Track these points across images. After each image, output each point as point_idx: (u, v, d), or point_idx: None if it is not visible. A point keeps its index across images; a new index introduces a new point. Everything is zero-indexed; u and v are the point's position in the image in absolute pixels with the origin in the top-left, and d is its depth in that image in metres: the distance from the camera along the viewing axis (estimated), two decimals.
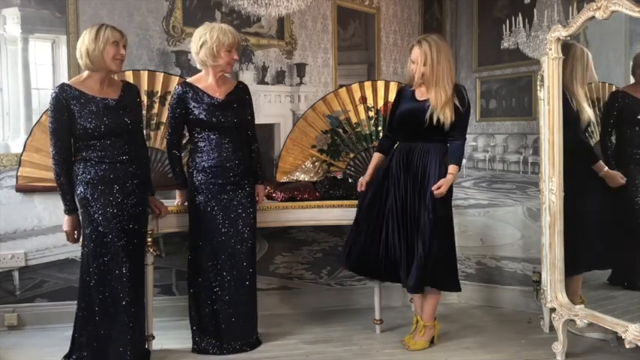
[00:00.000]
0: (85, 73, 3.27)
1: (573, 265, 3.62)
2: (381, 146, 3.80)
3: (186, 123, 3.55)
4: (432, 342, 3.68)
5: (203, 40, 3.44)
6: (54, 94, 3.22)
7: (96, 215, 3.22)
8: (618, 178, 3.64)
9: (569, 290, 3.54)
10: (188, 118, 3.50)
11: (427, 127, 3.48)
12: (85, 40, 3.20)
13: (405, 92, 3.68)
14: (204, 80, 3.54)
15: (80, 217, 3.31)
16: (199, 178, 3.52)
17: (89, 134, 3.21)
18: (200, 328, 3.60)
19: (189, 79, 3.62)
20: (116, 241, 3.23)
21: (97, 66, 3.22)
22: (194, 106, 3.47)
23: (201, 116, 3.47)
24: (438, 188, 3.41)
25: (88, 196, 3.22)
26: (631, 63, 3.75)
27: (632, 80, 3.72)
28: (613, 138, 3.79)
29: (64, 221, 3.34)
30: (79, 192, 3.25)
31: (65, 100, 3.19)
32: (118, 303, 3.25)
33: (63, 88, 3.23)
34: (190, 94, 3.48)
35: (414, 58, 3.50)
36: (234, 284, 3.56)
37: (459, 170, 3.56)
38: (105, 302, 3.25)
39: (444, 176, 3.46)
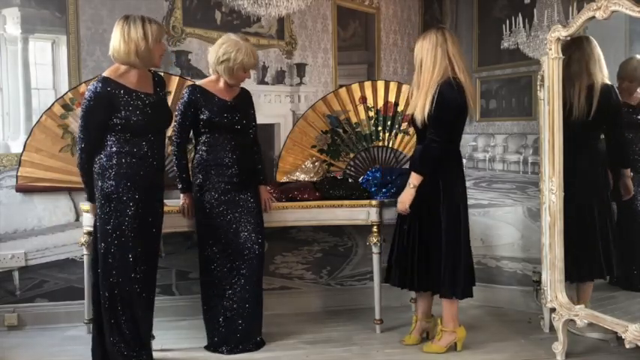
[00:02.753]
0: (123, 67, 3.17)
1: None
2: None
3: (193, 125, 3.56)
4: (455, 349, 3.58)
5: (226, 58, 3.46)
6: (99, 87, 3.10)
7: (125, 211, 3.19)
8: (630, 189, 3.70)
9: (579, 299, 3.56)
10: (197, 121, 3.51)
11: (423, 128, 3.45)
12: (131, 37, 3.08)
13: None
14: (214, 85, 3.58)
15: (99, 211, 3.22)
16: (206, 177, 3.54)
17: (131, 130, 3.14)
18: (213, 327, 3.62)
19: (198, 82, 3.65)
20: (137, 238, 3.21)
21: (143, 63, 3.16)
22: (204, 108, 3.50)
23: (212, 117, 3.50)
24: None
25: (113, 192, 3.16)
26: None
27: None
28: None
29: (91, 209, 3.35)
30: (103, 186, 3.17)
31: (108, 93, 3.10)
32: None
33: (107, 81, 3.12)
34: (200, 97, 3.51)
35: (414, 48, 3.51)
36: (245, 284, 3.57)
37: (420, 176, 3.39)
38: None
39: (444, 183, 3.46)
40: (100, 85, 3.12)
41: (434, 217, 3.44)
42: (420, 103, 3.39)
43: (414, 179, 3.43)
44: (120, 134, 3.16)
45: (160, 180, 3.35)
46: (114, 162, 3.16)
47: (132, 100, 3.15)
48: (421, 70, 3.43)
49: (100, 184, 3.18)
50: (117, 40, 3.12)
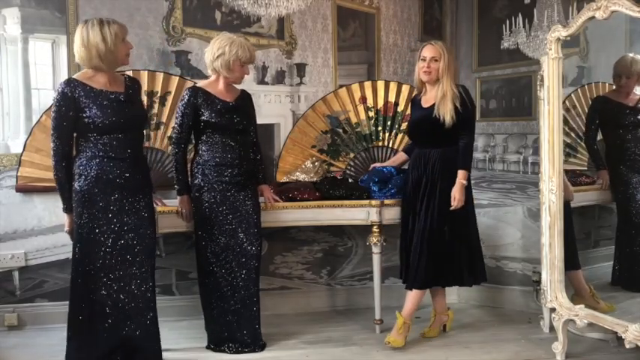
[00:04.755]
0: (90, 71, 3.18)
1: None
2: (406, 147, 3.99)
3: (193, 126, 3.56)
4: (444, 330, 3.87)
5: (221, 52, 3.49)
6: (61, 89, 3.12)
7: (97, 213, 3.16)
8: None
9: (574, 286, 3.57)
10: (197, 122, 3.52)
11: (435, 131, 3.55)
12: (90, 41, 3.07)
13: (415, 101, 3.80)
14: (214, 86, 3.59)
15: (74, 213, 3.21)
16: (205, 177, 3.54)
17: (99, 129, 3.12)
18: (214, 327, 3.62)
19: (199, 84, 3.66)
20: (114, 240, 3.18)
21: (108, 66, 3.15)
22: (205, 110, 3.51)
23: (212, 119, 3.51)
24: (456, 202, 3.55)
25: (89, 192, 3.14)
26: None
27: None
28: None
29: (65, 220, 3.28)
30: (77, 187, 3.16)
31: (72, 94, 3.10)
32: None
33: (70, 82, 3.14)
34: (201, 99, 3.52)
35: (436, 54, 3.57)
36: (243, 284, 3.58)
37: (469, 172, 3.58)
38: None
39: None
40: (64, 85, 3.13)
41: (460, 213, 3.59)
42: (449, 109, 3.52)
43: (465, 176, 3.56)
44: (92, 135, 3.15)
45: (141, 180, 3.28)
46: (87, 162, 3.15)
47: (98, 99, 3.13)
48: (442, 77, 3.55)
49: (74, 185, 3.17)
50: (77, 45, 3.13)
